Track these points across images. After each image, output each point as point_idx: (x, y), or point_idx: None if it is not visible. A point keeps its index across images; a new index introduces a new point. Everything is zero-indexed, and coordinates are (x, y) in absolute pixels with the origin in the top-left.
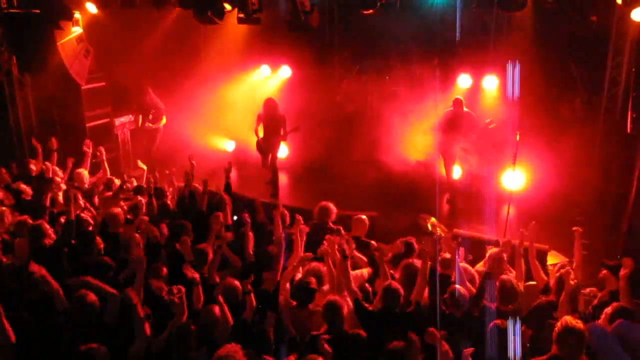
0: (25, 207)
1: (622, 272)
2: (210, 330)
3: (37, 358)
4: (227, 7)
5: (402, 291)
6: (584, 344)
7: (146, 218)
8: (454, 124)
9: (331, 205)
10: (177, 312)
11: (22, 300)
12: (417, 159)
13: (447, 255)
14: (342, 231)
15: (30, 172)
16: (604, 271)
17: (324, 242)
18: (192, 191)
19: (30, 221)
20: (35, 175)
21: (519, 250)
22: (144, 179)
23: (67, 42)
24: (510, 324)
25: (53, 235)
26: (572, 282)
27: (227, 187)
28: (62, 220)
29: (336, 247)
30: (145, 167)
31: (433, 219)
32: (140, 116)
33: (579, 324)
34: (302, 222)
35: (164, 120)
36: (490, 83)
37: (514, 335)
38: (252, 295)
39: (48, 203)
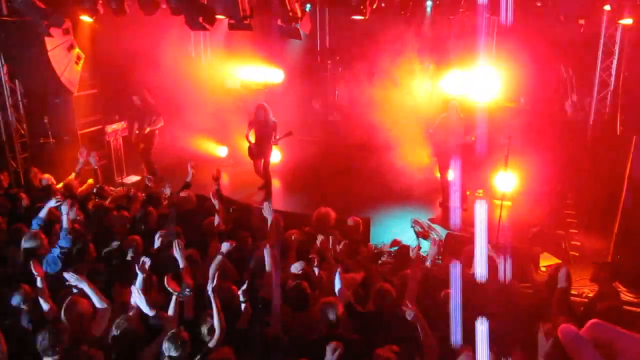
0: (21, 215)
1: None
2: (203, 336)
3: None
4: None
5: (393, 293)
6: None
7: None
8: (449, 129)
9: (330, 211)
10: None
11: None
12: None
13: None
14: (338, 235)
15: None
16: (596, 272)
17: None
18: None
19: (26, 229)
20: (35, 185)
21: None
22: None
23: (57, 49)
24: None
25: (46, 245)
26: (563, 284)
27: (218, 192)
28: (57, 228)
29: (329, 253)
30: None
31: (426, 222)
32: (137, 123)
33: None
34: (283, 225)
35: (161, 123)
36: (481, 86)
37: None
38: (247, 301)
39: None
